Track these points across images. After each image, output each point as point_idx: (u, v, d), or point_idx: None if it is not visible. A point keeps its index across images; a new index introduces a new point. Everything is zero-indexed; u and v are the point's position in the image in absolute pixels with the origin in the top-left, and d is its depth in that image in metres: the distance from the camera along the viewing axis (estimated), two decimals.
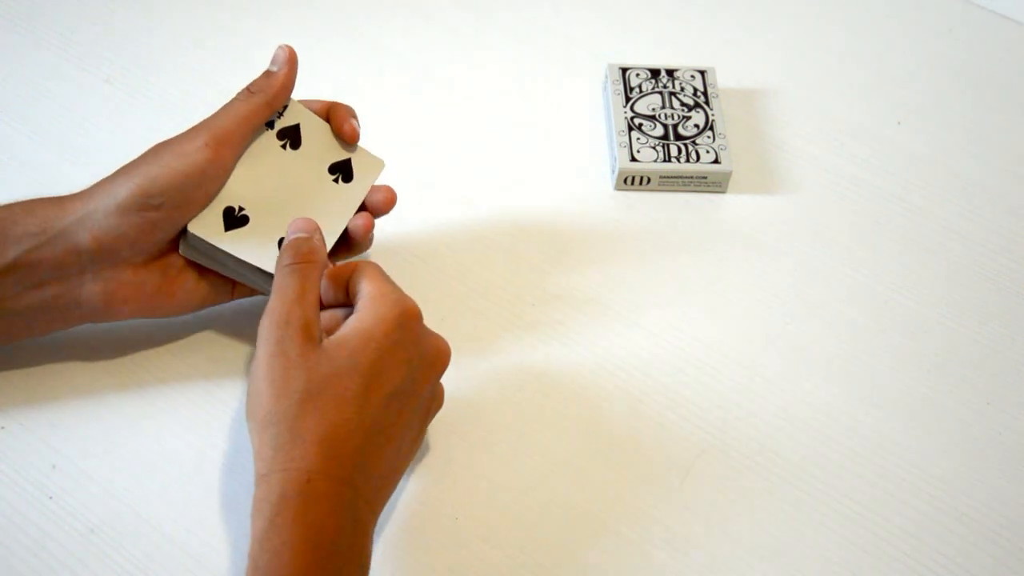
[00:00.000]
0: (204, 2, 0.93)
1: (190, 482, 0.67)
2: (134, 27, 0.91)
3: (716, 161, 0.83)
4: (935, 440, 0.72)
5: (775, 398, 0.73)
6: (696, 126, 0.85)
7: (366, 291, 0.63)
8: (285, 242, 0.65)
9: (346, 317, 0.63)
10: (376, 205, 0.72)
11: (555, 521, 0.67)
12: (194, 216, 0.67)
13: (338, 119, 0.72)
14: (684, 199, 0.84)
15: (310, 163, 0.71)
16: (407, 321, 0.62)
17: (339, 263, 0.68)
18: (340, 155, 0.72)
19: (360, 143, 0.72)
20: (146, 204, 0.65)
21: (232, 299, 0.71)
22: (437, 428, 0.69)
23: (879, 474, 0.71)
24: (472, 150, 0.86)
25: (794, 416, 0.73)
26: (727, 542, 0.67)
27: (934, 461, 0.71)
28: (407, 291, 0.64)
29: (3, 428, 0.69)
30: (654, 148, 0.83)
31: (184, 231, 0.67)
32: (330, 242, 0.69)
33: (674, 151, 0.83)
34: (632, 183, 0.83)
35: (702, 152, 0.83)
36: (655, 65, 0.88)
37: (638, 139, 0.84)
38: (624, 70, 0.88)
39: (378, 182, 0.72)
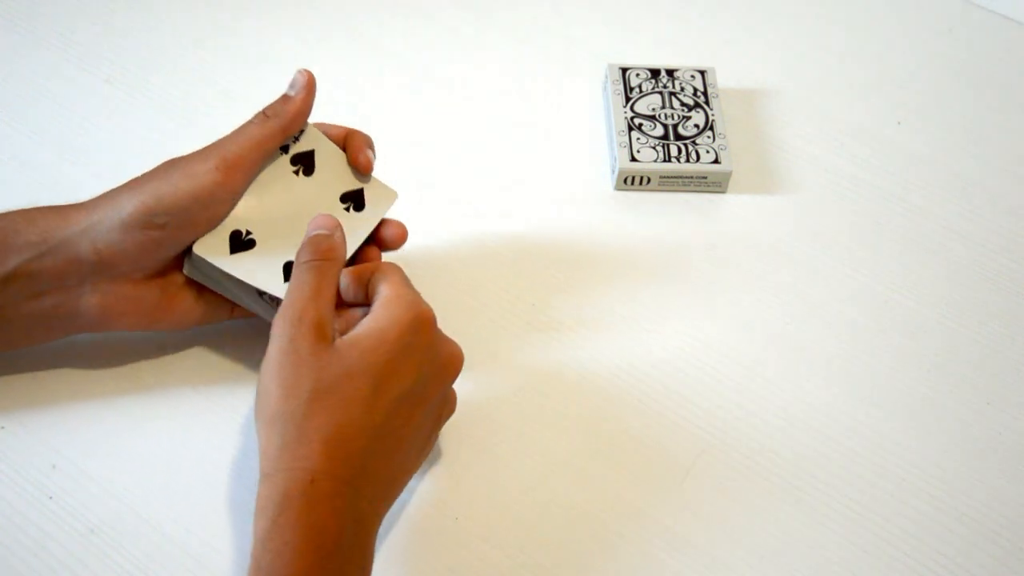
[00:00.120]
0: (204, 2, 0.93)
1: (190, 482, 0.67)
2: (134, 27, 0.91)
3: (716, 161, 0.83)
4: (935, 440, 0.72)
5: (775, 398, 0.73)
6: (696, 126, 0.85)
7: (383, 293, 0.63)
8: (305, 238, 0.65)
9: (363, 317, 0.63)
10: (387, 240, 0.71)
11: (555, 521, 0.67)
12: (198, 237, 0.66)
13: (354, 149, 0.71)
14: (684, 199, 0.84)
15: (322, 190, 0.70)
16: (421, 325, 0.62)
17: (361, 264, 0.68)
18: (353, 184, 0.71)
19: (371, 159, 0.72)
20: (150, 222, 0.64)
21: (231, 319, 0.71)
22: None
23: (879, 474, 0.71)
24: (472, 150, 0.86)
25: (794, 416, 0.73)
26: (727, 542, 0.67)
27: (934, 461, 0.71)
28: None
29: (3, 428, 0.68)
30: (654, 148, 0.83)
31: (189, 250, 0.67)
32: None
33: (674, 151, 0.83)
34: (632, 183, 0.83)
35: (702, 152, 0.83)
36: (655, 65, 0.88)
37: (638, 139, 0.84)
38: (624, 70, 0.88)
39: (390, 214, 0.71)
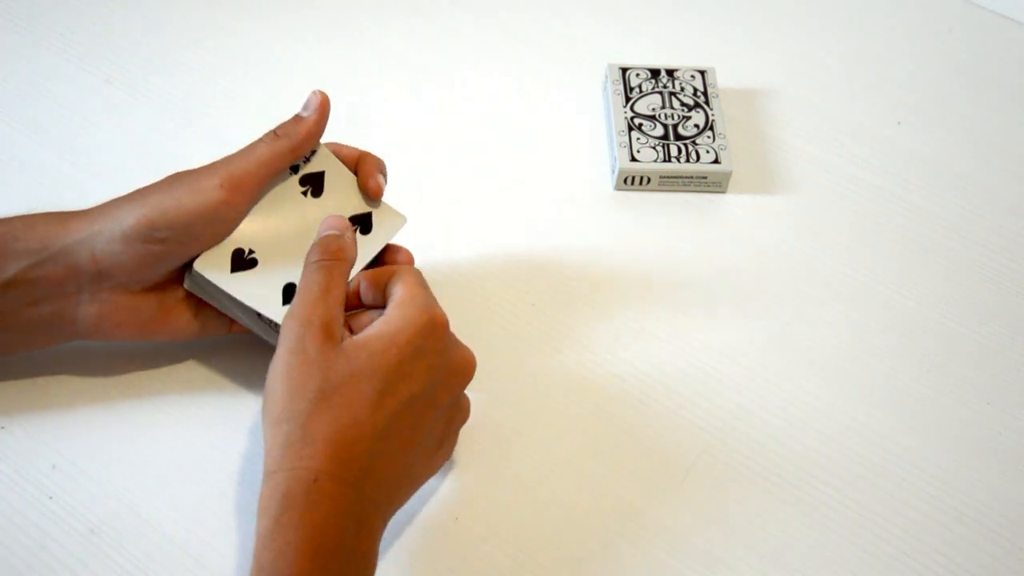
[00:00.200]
0: (204, 2, 0.93)
1: (190, 482, 0.67)
2: (134, 27, 0.91)
3: (716, 161, 0.83)
4: (935, 440, 0.72)
5: (775, 398, 0.73)
6: (696, 126, 0.85)
7: (397, 295, 0.63)
8: (316, 239, 0.65)
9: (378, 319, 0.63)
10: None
11: (555, 521, 0.67)
12: (198, 252, 0.66)
13: (364, 173, 0.70)
14: (684, 199, 0.84)
15: (329, 212, 0.68)
16: (433, 329, 0.62)
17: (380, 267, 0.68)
18: (361, 208, 0.70)
19: (371, 158, 0.71)
20: (151, 236, 0.64)
21: (229, 333, 0.70)
22: None
23: (879, 474, 0.71)
24: (472, 150, 0.86)
25: (794, 416, 0.73)
26: (727, 542, 0.67)
27: (934, 461, 0.71)
28: None
29: (3, 428, 0.68)
30: (654, 148, 0.83)
31: (190, 264, 0.66)
32: None
33: (674, 151, 0.83)
34: (632, 183, 0.83)
35: (702, 152, 0.83)
36: (655, 65, 0.88)
37: (638, 139, 0.84)
38: (624, 70, 0.88)
39: (397, 238, 0.71)
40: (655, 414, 0.72)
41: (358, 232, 0.69)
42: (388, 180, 0.71)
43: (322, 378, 0.59)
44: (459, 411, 0.65)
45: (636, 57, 0.90)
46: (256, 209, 0.67)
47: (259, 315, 0.66)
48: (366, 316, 0.65)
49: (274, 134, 0.67)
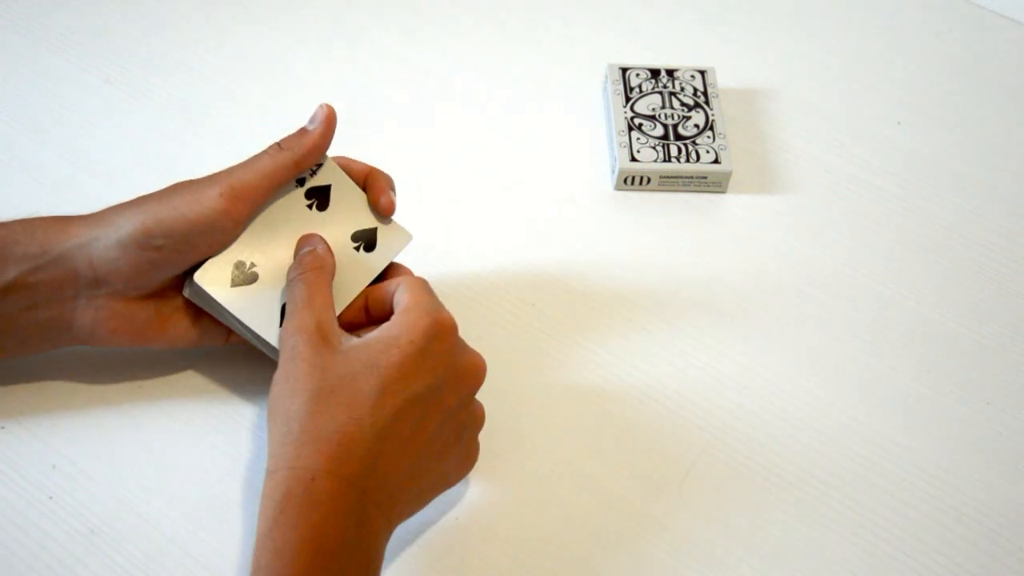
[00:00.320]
0: (204, 2, 0.93)
1: (190, 482, 0.67)
2: (134, 27, 0.91)
3: (716, 161, 0.83)
4: (935, 440, 0.72)
5: (775, 398, 0.73)
6: (696, 126, 0.85)
7: (403, 302, 0.63)
8: (293, 261, 0.66)
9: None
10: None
11: (555, 521, 0.67)
12: (196, 261, 0.65)
13: (376, 190, 0.69)
14: (684, 199, 0.84)
15: (333, 228, 0.68)
16: (439, 332, 0.62)
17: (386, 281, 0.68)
18: (366, 224, 0.69)
19: (369, 162, 0.71)
20: (147, 243, 0.63)
21: (226, 343, 0.70)
22: None
23: (879, 474, 0.71)
24: (472, 150, 0.86)
25: (794, 416, 0.73)
26: (727, 542, 0.67)
27: (934, 461, 0.71)
28: None
29: (3, 428, 0.68)
30: (654, 148, 0.83)
31: (190, 272, 0.66)
32: (339, 307, 0.66)
33: (674, 151, 0.83)
34: (632, 183, 0.83)
35: (702, 152, 0.83)
36: (655, 65, 0.88)
37: (638, 139, 0.84)
38: (624, 70, 0.88)
39: (401, 256, 0.70)
40: (655, 414, 0.72)
41: (363, 249, 0.69)
42: (387, 171, 0.71)
43: (319, 377, 0.59)
44: (470, 417, 0.65)
45: (636, 57, 0.90)
46: (260, 221, 0.67)
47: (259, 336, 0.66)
48: (373, 329, 0.64)
49: (278, 146, 0.66)
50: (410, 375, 0.60)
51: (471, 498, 0.68)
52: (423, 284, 0.65)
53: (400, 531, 0.66)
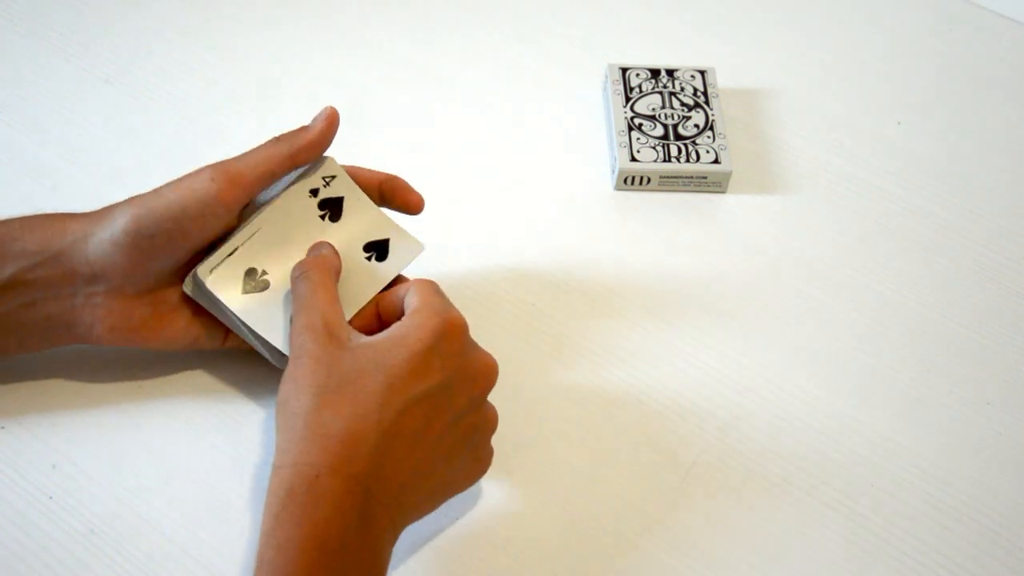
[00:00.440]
0: (204, 2, 0.93)
1: (190, 482, 0.67)
2: (134, 27, 0.91)
3: (716, 161, 0.83)
4: (935, 440, 0.72)
5: (775, 398, 0.73)
6: (696, 126, 0.85)
7: (412, 303, 0.63)
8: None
9: None
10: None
11: (554, 521, 0.67)
12: (191, 250, 0.66)
13: (403, 189, 0.70)
14: (684, 199, 0.84)
15: (346, 238, 0.69)
16: (448, 331, 0.61)
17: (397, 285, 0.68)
18: (378, 234, 0.70)
19: (369, 162, 0.71)
20: (138, 234, 0.64)
21: (223, 347, 0.70)
22: None
23: (879, 474, 0.71)
24: (472, 150, 0.86)
25: (794, 416, 0.73)
26: (727, 542, 0.67)
27: (934, 461, 0.71)
28: None
29: (3, 428, 0.68)
30: (654, 148, 0.83)
31: (192, 268, 0.66)
32: (349, 313, 0.66)
33: (674, 151, 0.83)
34: (632, 183, 0.83)
35: (702, 152, 0.83)
36: (655, 65, 0.88)
37: (638, 139, 0.84)
38: (624, 70, 0.88)
39: (410, 267, 0.70)
40: (655, 414, 0.72)
41: (374, 259, 0.69)
42: (386, 171, 0.71)
43: (326, 374, 0.59)
44: (482, 419, 0.64)
45: (636, 57, 0.90)
46: (272, 231, 0.67)
47: (266, 341, 0.66)
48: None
49: (275, 139, 0.67)
50: (418, 373, 0.60)
51: (471, 498, 0.68)
52: (433, 286, 0.65)
53: (400, 532, 0.66)
